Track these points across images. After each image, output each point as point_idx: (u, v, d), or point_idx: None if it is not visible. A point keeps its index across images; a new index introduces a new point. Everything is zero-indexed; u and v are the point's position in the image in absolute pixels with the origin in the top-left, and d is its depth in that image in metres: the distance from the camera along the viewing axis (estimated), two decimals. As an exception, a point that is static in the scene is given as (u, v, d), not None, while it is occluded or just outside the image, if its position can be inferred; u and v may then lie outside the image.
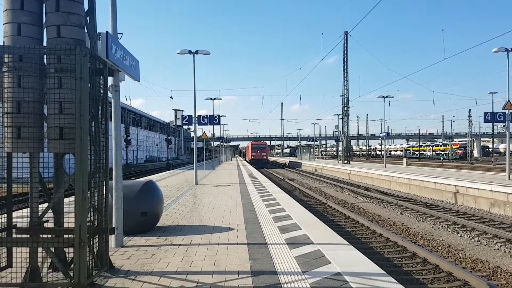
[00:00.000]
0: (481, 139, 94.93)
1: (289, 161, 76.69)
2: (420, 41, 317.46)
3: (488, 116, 20.86)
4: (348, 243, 7.04)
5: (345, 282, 4.82)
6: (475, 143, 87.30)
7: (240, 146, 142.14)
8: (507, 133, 20.59)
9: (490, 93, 50.29)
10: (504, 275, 8.09)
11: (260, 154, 64.14)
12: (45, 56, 4.92)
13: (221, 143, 62.15)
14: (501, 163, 46.39)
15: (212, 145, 46.46)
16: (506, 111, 19.89)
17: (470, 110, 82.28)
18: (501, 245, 10.30)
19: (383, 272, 5.32)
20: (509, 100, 19.80)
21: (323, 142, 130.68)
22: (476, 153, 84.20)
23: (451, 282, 7.63)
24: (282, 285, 4.75)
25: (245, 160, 77.12)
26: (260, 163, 60.68)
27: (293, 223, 8.72)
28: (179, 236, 7.57)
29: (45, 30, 5.06)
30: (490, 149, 79.38)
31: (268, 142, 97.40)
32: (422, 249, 9.61)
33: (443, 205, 17.40)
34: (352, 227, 13.10)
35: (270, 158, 79.05)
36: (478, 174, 26.09)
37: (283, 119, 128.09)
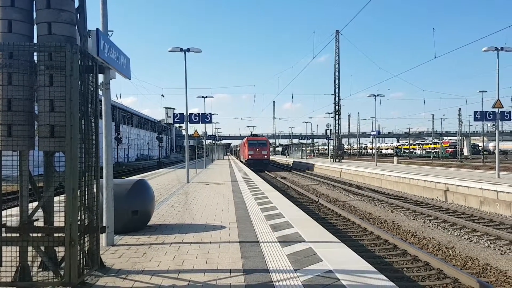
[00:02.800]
0: (471, 137, 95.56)
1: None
2: (410, 40, 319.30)
3: (478, 115, 21.00)
4: (339, 241, 7.06)
5: (337, 280, 4.84)
6: (465, 142, 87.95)
7: (232, 145, 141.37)
8: (496, 131, 20.81)
9: (480, 92, 51.04)
10: (493, 272, 8.17)
11: (260, 153, 49.36)
12: (35, 53, 4.87)
13: (213, 142, 61.98)
14: (491, 162, 46.84)
15: (204, 143, 46.39)
16: (496, 109, 20.07)
17: (460, 109, 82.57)
18: (490, 243, 10.39)
19: (374, 269, 5.35)
20: (498, 99, 19.98)
21: (315, 140, 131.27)
22: (466, 152, 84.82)
23: (442, 279, 7.69)
24: (274, 283, 4.76)
25: (240, 160, 64.25)
26: (260, 165, 47.98)
27: (285, 221, 8.73)
28: (170, 235, 7.55)
29: (35, 27, 5.01)
30: (480, 148, 80.00)
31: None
32: (413, 246, 9.67)
33: (433, 203, 17.54)
34: (343, 225, 13.15)
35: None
36: (468, 172, 26.32)
37: (275, 118, 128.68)
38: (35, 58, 4.88)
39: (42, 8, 4.92)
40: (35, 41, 5.00)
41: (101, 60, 5.73)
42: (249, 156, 49.00)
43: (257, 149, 49.43)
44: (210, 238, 7.27)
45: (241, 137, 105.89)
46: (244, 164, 49.42)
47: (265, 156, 49.70)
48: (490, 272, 8.22)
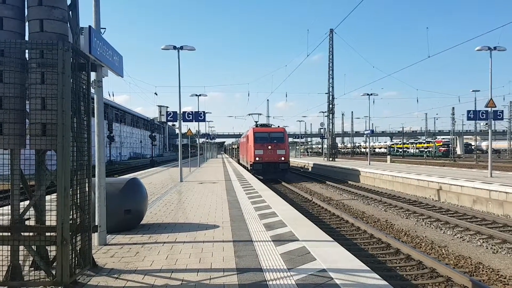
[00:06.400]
0: (464, 136, 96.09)
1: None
2: (404, 39, 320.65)
3: (471, 114, 21.09)
4: (333, 240, 7.06)
5: (330, 279, 4.83)
6: (458, 141, 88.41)
7: (225, 143, 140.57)
8: (489, 131, 20.93)
9: (473, 91, 51.21)
10: (486, 271, 8.21)
11: (274, 153, 30.45)
12: (27, 51, 4.82)
13: (206, 140, 61.85)
14: (484, 161, 47.13)
15: (198, 142, 46.28)
16: (489, 109, 20.17)
17: (453, 108, 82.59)
18: (483, 242, 10.45)
19: (367, 268, 5.35)
20: (491, 98, 20.09)
21: (309, 139, 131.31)
22: (459, 151, 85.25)
23: (435, 278, 7.73)
24: (267, 282, 4.75)
25: (239, 163, 44.86)
26: (274, 171, 30.27)
27: (279, 220, 8.72)
28: (163, 234, 7.51)
29: (27, 24, 4.96)
30: (473, 147, 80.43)
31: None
32: (406, 245, 9.71)
33: (426, 202, 17.62)
34: (337, 224, 13.18)
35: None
36: (461, 171, 26.45)
37: (268, 116, 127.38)
38: (27, 55, 4.83)
39: (33, 5, 4.86)
40: (27, 38, 4.95)
41: (93, 57, 5.68)
42: (257, 158, 30.40)
43: (270, 147, 30.54)
44: (204, 237, 7.25)
45: (234, 136, 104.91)
46: (248, 170, 31.49)
47: (283, 158, 30.71)
48: (483, 270, 8.26)
